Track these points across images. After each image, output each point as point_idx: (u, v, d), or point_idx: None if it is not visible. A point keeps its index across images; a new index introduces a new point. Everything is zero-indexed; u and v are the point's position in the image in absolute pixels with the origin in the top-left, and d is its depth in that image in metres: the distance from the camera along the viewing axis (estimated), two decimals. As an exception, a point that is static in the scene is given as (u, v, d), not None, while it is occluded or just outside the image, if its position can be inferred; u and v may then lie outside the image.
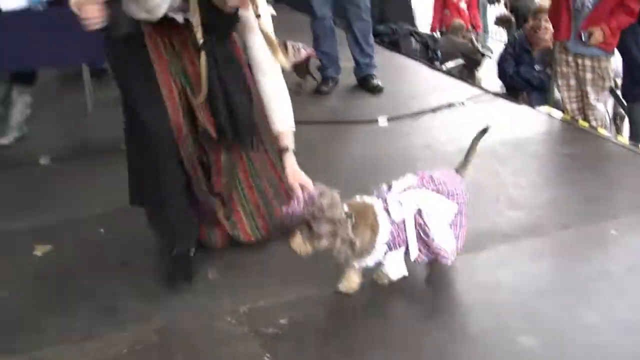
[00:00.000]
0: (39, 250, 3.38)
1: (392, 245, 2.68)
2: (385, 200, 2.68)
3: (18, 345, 2.61)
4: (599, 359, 2.39)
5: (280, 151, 2.92)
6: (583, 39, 4.52)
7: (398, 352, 2.45)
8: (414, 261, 2.73)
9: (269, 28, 2.78)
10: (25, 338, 2.65)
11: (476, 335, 2.53)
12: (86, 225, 3.58)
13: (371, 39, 5.49)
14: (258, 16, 2.73)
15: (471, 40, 10.19)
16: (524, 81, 6.25)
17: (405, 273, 2.74)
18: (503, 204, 3.58)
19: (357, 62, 5.48)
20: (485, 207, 3.49)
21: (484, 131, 3.00)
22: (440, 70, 6.74)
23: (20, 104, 4.70)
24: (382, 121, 4.78)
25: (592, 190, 3.66)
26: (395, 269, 2.73)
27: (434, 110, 4.97)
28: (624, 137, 5.02)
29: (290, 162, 2.90)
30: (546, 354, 2.41)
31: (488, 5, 12.19)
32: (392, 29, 8.49)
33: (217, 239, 3.15)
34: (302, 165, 2.95)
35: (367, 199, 2.71)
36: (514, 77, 6.34)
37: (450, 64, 8.97)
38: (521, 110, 5.04)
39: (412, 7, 9.83)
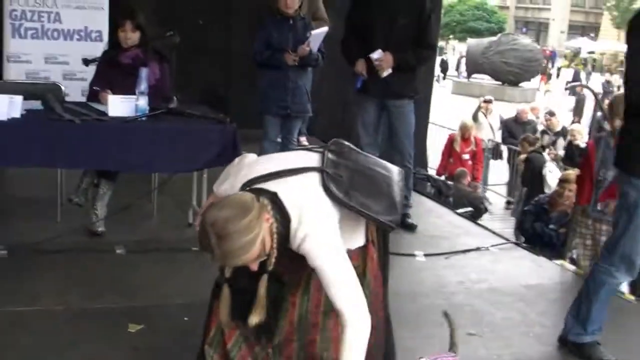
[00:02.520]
0: (132, 328, 3.90)
1: None
2: None
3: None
4: None
5: None
6: (599, 207, 5.22)
7: None
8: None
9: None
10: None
11: None
12: (171, 312, 4.12)
13: (411, 183, 6.18)
14: (263, 273, 2.66)
15: (476, 190, 11.04)
16: (537, 236, 6.91)
17: None
18: (533, 339, 4.19)
19: (396, 201, 6.12)
20: (520, 342, 4.11)
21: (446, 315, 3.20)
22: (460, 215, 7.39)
23: (107, 198, 5.27)
24: (420, 256, 5.41)
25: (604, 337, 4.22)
26: None
27: (464, 251, 5.62)
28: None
29: None
30: None
31: (491, 160, 13.16)
32: (411, 173, 9.20)
33: None
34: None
35: None
36: (528, 231, 7.03)
37: (459, 211, 9.71)
38: (539, 260, 5.68)
39: (427, 153, 10.62)
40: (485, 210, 10.60)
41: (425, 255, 5.45)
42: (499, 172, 13.24)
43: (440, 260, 5.41)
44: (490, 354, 3.94)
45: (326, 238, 2.61)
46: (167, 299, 4.34)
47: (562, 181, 7.16)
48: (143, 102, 4.82)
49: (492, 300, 4.71)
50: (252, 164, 2.82)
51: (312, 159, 2.81)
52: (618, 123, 5.12)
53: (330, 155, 2.83)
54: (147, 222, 5.69)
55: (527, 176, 9.98)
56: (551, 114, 13.15)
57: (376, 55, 5.65)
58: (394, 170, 3.01)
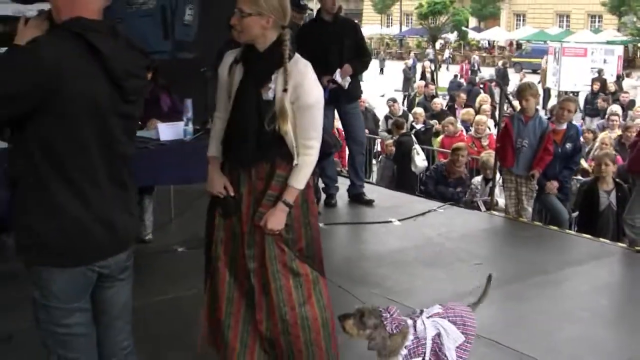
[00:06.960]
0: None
1: (411, 353, 3.52)
2: (415, 320, 3.58)
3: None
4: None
5: (279, 198, 3.38)
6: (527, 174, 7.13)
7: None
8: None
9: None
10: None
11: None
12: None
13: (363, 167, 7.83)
14: (285, 90, 3.29)
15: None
16: (441, 197, 8.68)
17: None
18: (514, 260, 6.05)
19: (353, 184, 7.66)
20: (503, 264, 5.89)
21: (490, 277, 3.95)
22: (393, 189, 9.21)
23: (151, 208, 6.41)
24: (395, 221, 7.03)
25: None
26: None
27: (423, 214, 7.30)
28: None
29: (279, 210, 3.37)
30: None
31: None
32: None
33: None
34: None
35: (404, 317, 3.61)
36: (432, 193, 8.80)
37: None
38: (473, 213, 7.63)
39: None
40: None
41: (399, 220, 7.09)
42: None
43: (411, 222, 7.06)
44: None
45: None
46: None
47: (456, 149, 9.07)
48: (191, 126, 6.04)
49: (468, 242, 6.46)
50: None
51: None
52: (524, 104, 7.13)
53: None
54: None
55: (398, 156, 11.71)
56: (393, 100, 15.16)
57: (338, 75, 7.17)
58: None
